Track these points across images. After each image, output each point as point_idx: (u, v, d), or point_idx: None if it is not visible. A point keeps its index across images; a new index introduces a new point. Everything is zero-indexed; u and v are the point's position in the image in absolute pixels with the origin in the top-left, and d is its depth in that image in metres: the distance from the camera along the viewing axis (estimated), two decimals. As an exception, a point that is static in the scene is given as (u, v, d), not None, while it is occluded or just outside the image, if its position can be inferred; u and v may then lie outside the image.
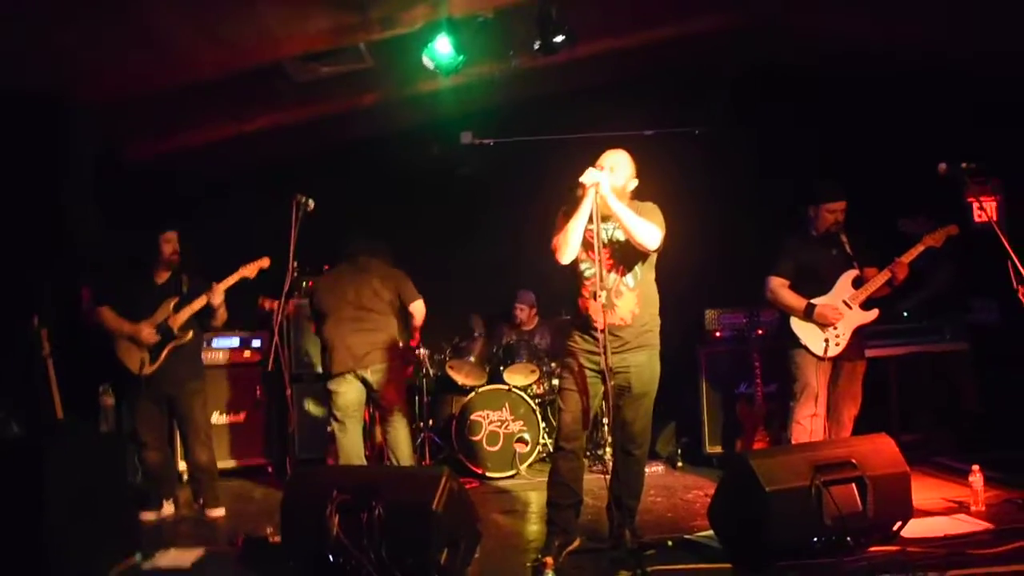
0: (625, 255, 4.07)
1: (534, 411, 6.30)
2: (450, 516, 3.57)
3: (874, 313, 5.02)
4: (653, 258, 4.14)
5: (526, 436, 6.27)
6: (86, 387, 5.22)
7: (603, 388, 4.00)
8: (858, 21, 6.05)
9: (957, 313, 6.22)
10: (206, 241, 5.96)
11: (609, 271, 4.05)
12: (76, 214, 5.45)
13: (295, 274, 5.28)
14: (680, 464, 6.35)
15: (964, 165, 4.45)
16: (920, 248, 4.95)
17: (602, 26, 6.03)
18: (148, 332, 5.19)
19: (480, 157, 7.27)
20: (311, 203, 4.81)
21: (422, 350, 6.55)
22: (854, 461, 3.78)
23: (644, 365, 4.09)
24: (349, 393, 5.28)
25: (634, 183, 4.17)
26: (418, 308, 5.56)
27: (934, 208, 5.43)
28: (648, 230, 3.94)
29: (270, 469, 6.62)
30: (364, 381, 5.28)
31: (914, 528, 3.99)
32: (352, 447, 5.30)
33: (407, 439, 5.43)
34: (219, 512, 5.36)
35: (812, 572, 3.63)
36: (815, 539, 3.68)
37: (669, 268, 4.30)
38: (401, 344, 5.55)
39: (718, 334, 6.47)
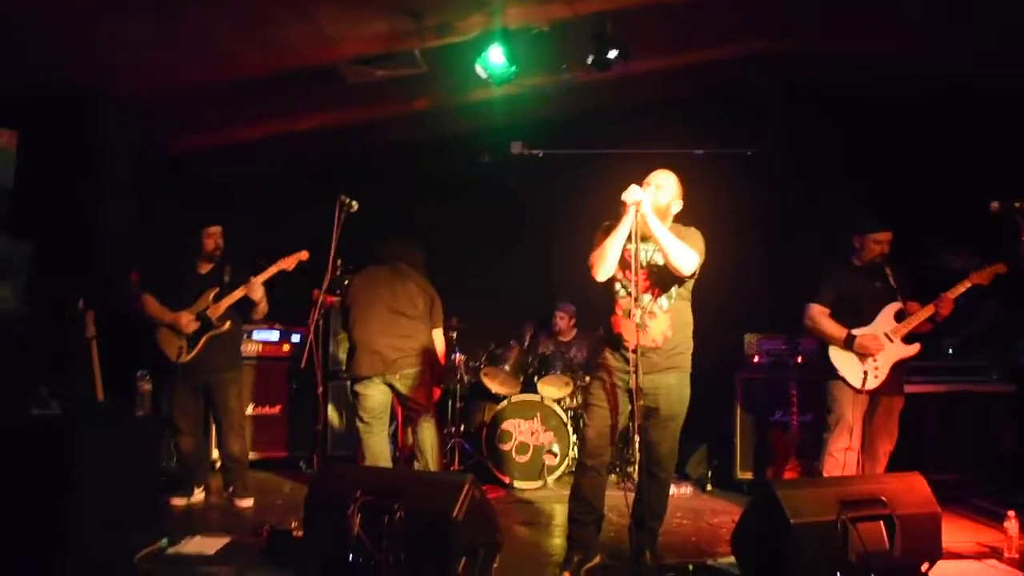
0: (662, 277, 4.04)
1: (565, 424, 6.29)
2: (470, 524, 3.56)
3: (915, 347, 4.94)
4: (690, 283, 4.11)
5: (556, 448, 6.26)
6: (126, 372, 5.32)
7: (630, 407, 3.98)
8: (910, 46, 5.97)
9: (1005, 353, 6.08)
10: (251, 236, 6.05)
11: (644, 292, 4.02)
12: (116, 205, 5.57)
13: (337, 273, 5.33)
14: (709, 487, 6.29)
15: (1017, 204, 4.34)
16: (967, 284, 4.85)
17: (656, 44, 6.03)
18: (187, 320, 5.30)
19: (528, 167, 7.28)
20: (355, 204, 4.83)
21: (458, 355, 6.58)
22: (883, 498, 3.70)
23: (673, 387, 4.06)
24: (376, 396, 5.20)
25: (678, 205, 4.14)
26: (437, 336, 5.46)
27: (986, 244, 5.32)
28: (685, 255, 3.91)
29: (302, 464, 6.69)
30: (391, 386, 5.21)
31: (943, 571, 3.88)
32: (378, 448, 5.26)
33: (434, 441, 5.39)
34: (247, 502, 5.44)
35: (834, 608, 3.57)
36: (838, 575, 3.62)
37: (711, 289, 4.27)
38: (432, 354, 5.45)
39: (757, 359, 6.40)
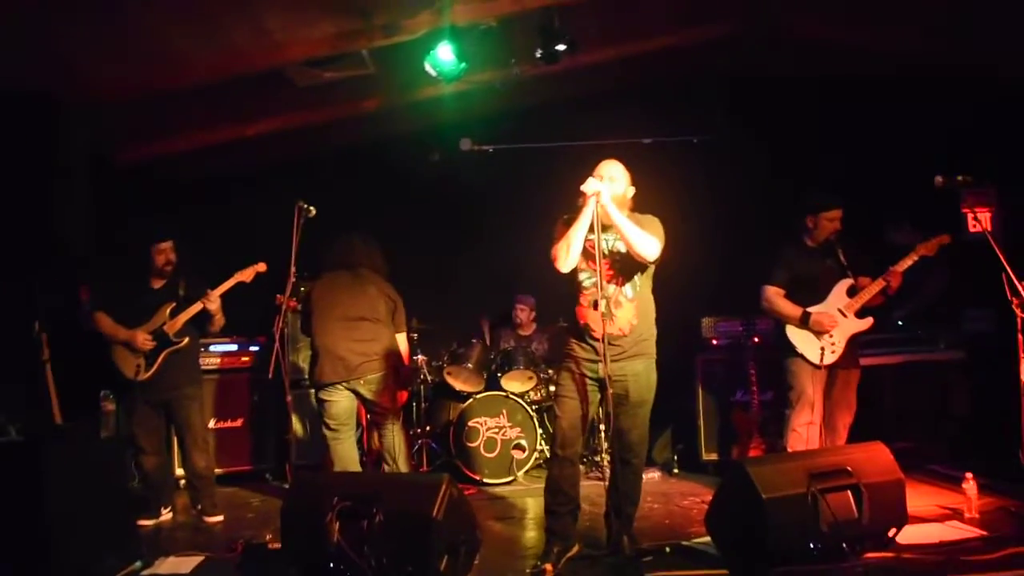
0: (625, 266, 4.10)
1: (531, 417, 6.33)
2: (450, 523, 3.58)
3: (868, 321, 5.07)
4: (651, 269, 4.17)
5: (523, 443, 6.30)
6: (87, 392, 5.21)
7: (600, 396, 4.02)
8: (855, 29, 6.10)
9: (952, 322, 6.26)
10: (204, 244, 5.98)
11: (609, 282, 4.07)
12: (71, 216, 5.42)
13: (293, 279, 5.26)
14: (676, 471, 6.38)
15: (960, 178, 4.50)
16: (914, 257, 4.99)
17: (603, 35, 6.08)
18: (143, 339, 5.20)
19: (478, 163, 7.28)
20: (312, 210, 4.81)
21: (420, 356, 6.57)
22: (849, 468, 3.82)
23: (641, 374, 4.12)
24: (341, 402, 5.13)
25: (632, 191, 4.21)
26: (401, 340, 5.39)
27: (928, 218, 5.48)
28: (647, 242, 3.97)
29: (268, 476, 6.61)
30: (356, 392, 5.13)
31: (909, 535, 4.02)
32: (347, 454, 5.20)
33: (403, 445, 5.32)
34: (217, 518, 5.36)
35: (808, 578, 3.66)
36: (812, 546, 3.70)
37: (666, 275, 4.32)
38: (396, 357, 5.37)
39: (715, 341, 6.49)
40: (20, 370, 4.80)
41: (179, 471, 6.06)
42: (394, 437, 5.30)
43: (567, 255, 4.01)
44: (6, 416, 4.14)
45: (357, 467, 5.34)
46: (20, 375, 4.81)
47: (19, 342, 4.81)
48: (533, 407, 6.45)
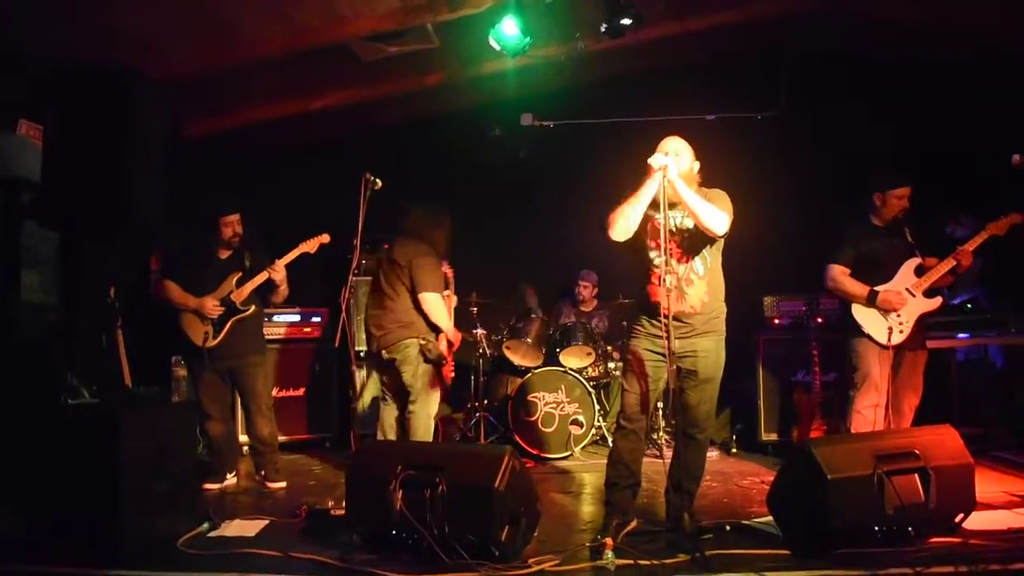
0: (694, 243, 4.06)
1: (589, 393, 6.33)
2: (512, 495, 3.62)
3: (937, 301, 4.97)
4: (720, 244, 4.13)
5: (581, 418, 6.31)
6: (157, 358, 5.34)
7: (666, 372, 4.01)
8: (926, 7, 5.94)
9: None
10: (268, 216, 6.07)
11: (679, 259, 4.05)
12: (146, 189, 5.53)
13: (360, 250, 5.31)
14: (734, 450, 6.36)
15: None
16: (984, 236, 4.88)
17: (668, 9, 6.00)
18: (212, 306, 5.32)
19: (539, 138, 7.27)
20: (379, 182, 4.85)
21: (479, 330, 6.61)
22: (917, 451, 3.76)
23: (711, 350, 4.09)
24: (386, 375, 5.21)
25: (696, 164, 4.17)
26: (425, 300, 5.00)
27: (992, 199, 5.33)
28: (716, 216, 3.92)
29: (327, 444, 6.73)
30: (389, 362, 5.08)
31: (975, 521, 3.94)
32: (385, 420, 5.25)
33: (426, 427, 5.10)
34: (280, 484, 5.48)
35: (872, 561, 3.59)
36: (876, 528, 3.66)
37: (728, 253, 4.27)
38: (424, 335, 5.10)
39: (776, 321, 6.43)
40: (96, 336, 4.93)
41: (243, 437, 6.20)
42: (416, 418, 5.08)
43: (621, 222, 3.95)
44: (80, 380, 4.28)
45: (392, 434, 5.23)
46: (95, 341, 4.94)
47: (95, 309, 4.94)
48: (591, 383, 6.45)
